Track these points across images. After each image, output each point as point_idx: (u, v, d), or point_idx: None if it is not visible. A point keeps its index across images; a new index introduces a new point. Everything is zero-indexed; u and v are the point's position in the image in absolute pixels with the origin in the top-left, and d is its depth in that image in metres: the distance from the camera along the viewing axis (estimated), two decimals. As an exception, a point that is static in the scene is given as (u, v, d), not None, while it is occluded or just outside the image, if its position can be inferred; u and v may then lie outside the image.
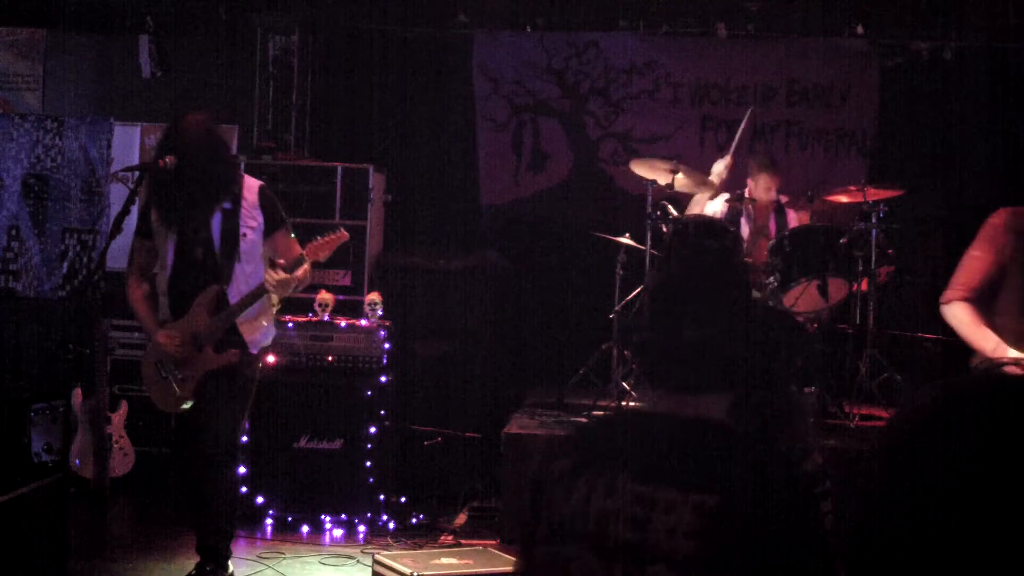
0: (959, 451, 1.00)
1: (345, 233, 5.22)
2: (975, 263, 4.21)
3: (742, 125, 7.46)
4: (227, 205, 5.06)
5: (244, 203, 5.09)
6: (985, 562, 0.96)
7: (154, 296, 5.17)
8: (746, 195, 7.02)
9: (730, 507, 1.81)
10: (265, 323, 5.23)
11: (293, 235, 5.25)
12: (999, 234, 4.20)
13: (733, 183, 7.26)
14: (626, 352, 6.95)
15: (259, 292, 5.03)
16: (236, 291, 5.05)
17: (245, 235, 5.07)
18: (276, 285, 4.98)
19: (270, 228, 5.15)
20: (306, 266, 5.14)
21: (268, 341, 5.30)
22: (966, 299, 4.20)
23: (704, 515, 1.82)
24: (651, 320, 2.06)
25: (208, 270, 5.05)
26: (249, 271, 5.06)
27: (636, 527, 1.86)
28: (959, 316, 4.21)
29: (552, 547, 1.94)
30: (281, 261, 5.02)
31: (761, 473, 1.86)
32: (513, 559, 5.17)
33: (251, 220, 5.09)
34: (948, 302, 4.26)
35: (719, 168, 7.28)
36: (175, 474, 6.03)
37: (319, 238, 5.14)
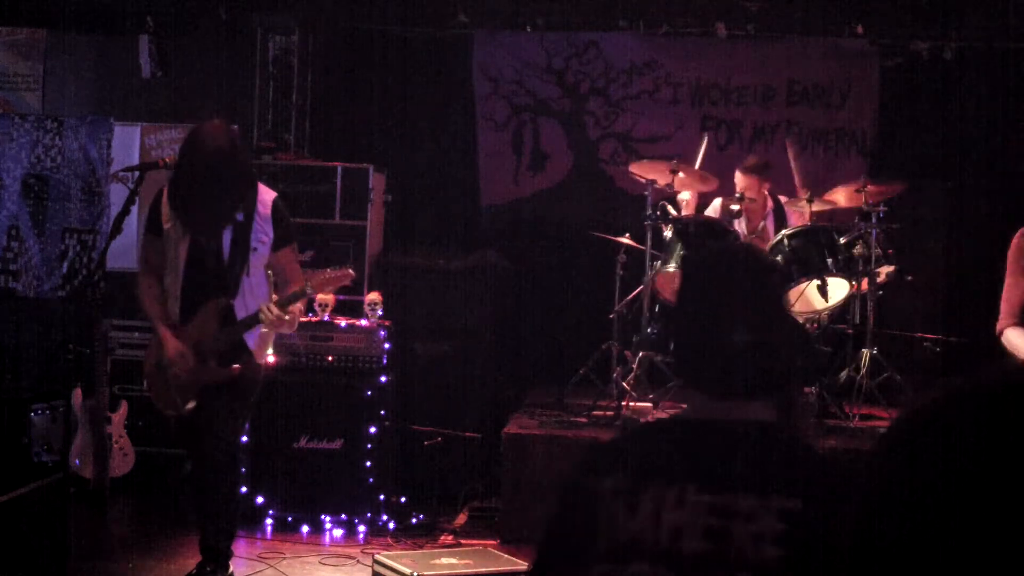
0: (961, 452, 0.99)
1: (352, 272, 5.15)
2: (1012, 290, 4.60)
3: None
4: (239, 217, 5.02)
5: (257, 216, 5.02)
6: (986, 564, 0.96)
7: (163, 297, 5.15)
8: (740, 193, 7.04)
9: (814, 510, 1.78)
10: (273, 338, 5.22)
11: (297, 255, 5.18)
12: (1022, 255, 4.56)
13: (727, 187, 7.26)
14: (627, 352, 6.95)
15: (255, 320, 4.99)
16: (242, 304, 5.01)
17: (256, 249, 5.02)
18: (271, 322, 4.95)
19: (278, 244, 5.09)
20: (300, 305, 5.12)
21: (270, 348, 5.32)
22: (1017, 324, 4.58)
23: (789, 520, 1.79)
24: (694, 323, 2.00)
25: (217, 280, 5.02)
26: (255, 283, 5.03)
27: (713, 538, 1.82)
28: (1016, 340, 4.55)
29: (615, 566, 1.87)
30: (274, 297, 4.97)
31: (838, 474, 1.83)
32: (519, 562, 5.17)
33: (263, 235, 5.04)
34: (1001, 331, 4.61)
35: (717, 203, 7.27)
36: (174, 473, 6.04)
37: (328, 272, 5.09)
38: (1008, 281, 4.63)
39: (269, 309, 4.90)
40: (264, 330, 5.07)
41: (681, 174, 6.89)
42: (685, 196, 7.17)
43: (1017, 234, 4.61)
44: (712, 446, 1.90)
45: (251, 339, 5.08)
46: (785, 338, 1.97)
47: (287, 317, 4.96)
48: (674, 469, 1.89)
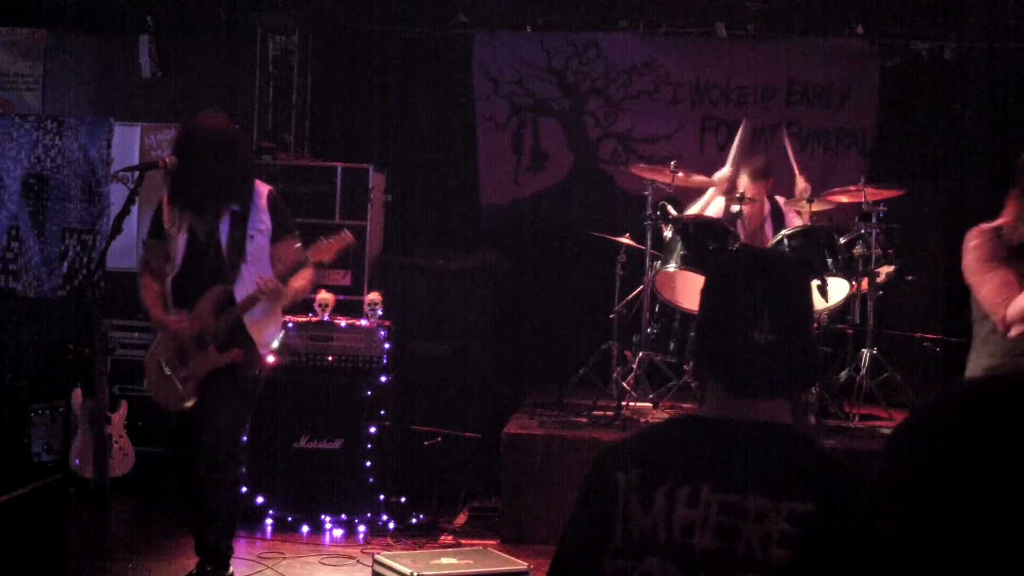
0: (966, 454, 1.00)
1: (350, 236, 5.17)
2: (998, 274, 3.97)
3: (737, 137, 7.42)
4: (235, 208, 5.06)
5: (254, 206, 5.09)
6: (990, 564, 0.96)
7: (165, 296, 5.17)
8: (740, 193, 7.02)
9: (824, 514, 1.79)
10: (276, 327, 5.22)
11: (299, 244, 5.18)
12: (993, 244, 4.01)
13: (727, 187, 7.26)
14: (627, 352, 6.95)
15: (256, 297, 5.02)
16: (242, 292, 5.04)
17: (252, 237, 5.06)
18: (267, 293, 4.96)
19: (276, 235, 5.13)
20: (307, 273, 5.12)
21: (276, 343, 5.29)
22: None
23: (798, 523, 1.79)
24: (714, 322, 2.00)
25: (215, 271, 5.05)
26: (256, 272, 5.05)
27: (723, 536, 1.83)
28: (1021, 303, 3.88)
29: (628, 561, 1.88)
30: (279, 267, 5.00)
31: (851, 478, 1.83)
32: (519, 562, 5.17)
33: (259, 223, 5.09)
34: (1006, 315, 3.90)
35: (720, 177, 7.27)
36: (174, 473, 6.03)
37: (323, 240, 5.12)
38: (987, 276, 3.95)
39: (265, 279, 4.94)
40: (263, 312, 5.07)
41: (681, 175, 6.89)
42: (716, 207, 7.16)
43: (973, 234, 4.06)
44: (727, 445, 1.91)
45: (251, 325, 5.07)
46: (808, 338, 1.97)
47: (283, 287, 4.97)
48: (688, 466, 1.90)
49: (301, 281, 5.11)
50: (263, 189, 5.17)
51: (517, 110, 8.55)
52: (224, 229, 5.06)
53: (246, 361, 5.08)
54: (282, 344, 5.51)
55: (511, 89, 8.53)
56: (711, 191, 7.24)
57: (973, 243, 4.08)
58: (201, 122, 5.03)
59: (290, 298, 5.12)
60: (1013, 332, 3.91)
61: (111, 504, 6.24)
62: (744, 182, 7.01)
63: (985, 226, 4.08)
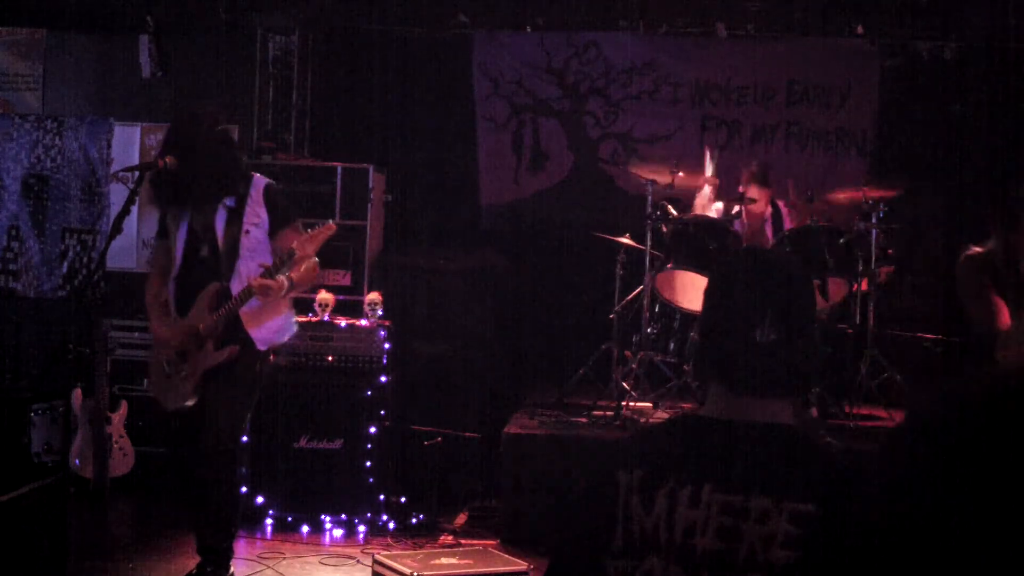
0: (965, 452, 1.00)
1: (332, 225, 5.09)
2: (987, 301, 4.38)
3: (709, 162, 7.39)
4: (231, 203, 5.06)
5: (249, 200, 5.08)
6: (988, 563, 0.96)
7: (165, 297, 5.17)
8: (741, 194, 7.02)
9: (826, 515, 1.78)
10: (275, 320, 5.19)
11: (300, 231, 5.16)
12: (981, 269, 4.43)
13: (727, 187, 7.25)
14: (627, 352, 6.95)
15: (248, 293, 4.99)
16: (239, 288, 5.03)
17: (248, 232, 5.05)
18: (258, 288, 4.94)
19: (275, 226, 5.11)
20: (309, 264, 5.10)
21: (282, 339, 5.26)
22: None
23: (800, 524, 1.79)
24: (715, 322, 2.01)
25: (212, 267, 5.05)
26: (253, 267, 5.03)
27: (725, 537, 1.83)
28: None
29: (629, 561, 1.89)
30: (267, 264, 4.97)
31: (854, 479, 1.83)
32: (519, 562, 5.18)
33: (255, 217, 5.08)
34: (995, 336, 4.35)
35: (707, 192, 7.27)
36: (174, 473, 6.04)
37: (311, 230, 5.08)
38: (977, 299, 4.40)
39: (252, 278, 4.92)
40: (260, 307, 5.06)
41: (681, 174, 6.89)
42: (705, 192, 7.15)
43: (963, 260, 4.46)
44: (729, 446, 1.91)
45: (248, 321, 5.06)
46: (810, 338, 1.98)
47: (274, 284, 4.94)
48: (690, 467, 1.90)
49: (297, 273, 5.07)
50: (260, 182, 5.16)
51: (517, 110, 8.55)
52: (220, 225, 5.05)
53: (243, 358, 5.07)
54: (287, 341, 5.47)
55: (511, 89, 8.53)
56: (707, 188, 7.23)
57: (962, 268, 4.47)
58: (192, 119, 5.03)
59: (288, 291, 5.08)
60: (1000, 353, 4.26)
61: (111, 504, 6.25)
62: (752, 189, 7.00)
63: (974, 251, 4.36)
